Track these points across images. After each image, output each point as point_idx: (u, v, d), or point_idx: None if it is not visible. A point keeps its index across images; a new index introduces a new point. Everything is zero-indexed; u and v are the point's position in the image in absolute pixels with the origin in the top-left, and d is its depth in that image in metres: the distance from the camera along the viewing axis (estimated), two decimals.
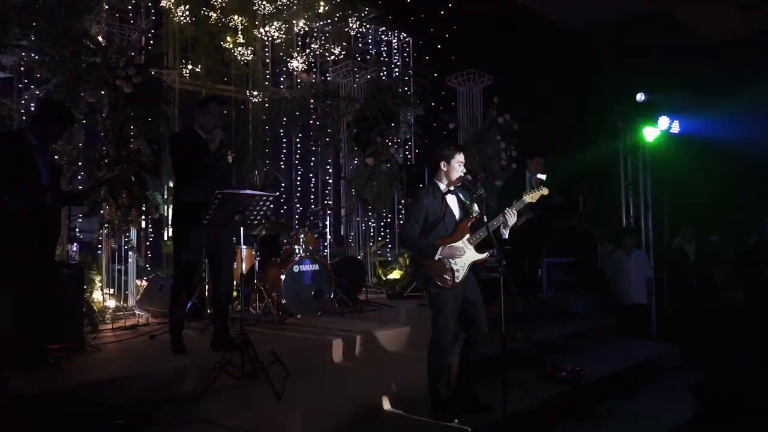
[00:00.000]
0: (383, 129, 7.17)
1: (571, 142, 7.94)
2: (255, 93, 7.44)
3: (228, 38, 7.00)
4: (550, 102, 8.37)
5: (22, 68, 5.56)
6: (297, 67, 7.47)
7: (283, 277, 5.54)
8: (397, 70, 8.49)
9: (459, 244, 3.67)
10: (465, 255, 3.66)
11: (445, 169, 3.72)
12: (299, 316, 5.61)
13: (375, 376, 4.19)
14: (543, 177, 6.31)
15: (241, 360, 3.69)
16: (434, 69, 8.25)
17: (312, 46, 7.64)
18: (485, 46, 8.28)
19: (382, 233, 8.53)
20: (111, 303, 5.89)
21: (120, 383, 3.47)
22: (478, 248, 3.73)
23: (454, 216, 3.75)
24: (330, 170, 8.32)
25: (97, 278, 5.98)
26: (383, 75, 8.04)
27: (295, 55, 7.54)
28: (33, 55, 5.33)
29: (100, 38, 5.49)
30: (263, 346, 4.00)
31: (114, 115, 4.99)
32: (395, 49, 8.82)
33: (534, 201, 3.83)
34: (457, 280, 3.65)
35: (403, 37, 8.82)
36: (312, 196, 8.43)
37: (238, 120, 7.57)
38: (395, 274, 8.32)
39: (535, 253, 6.72)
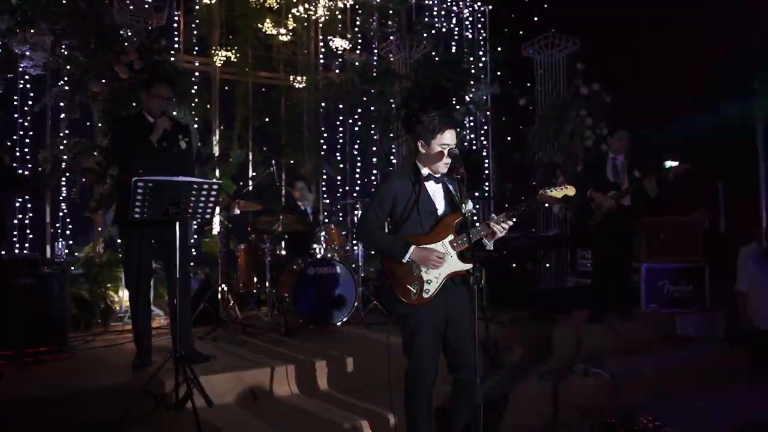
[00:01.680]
0: (435, 109, 6.12)
1: (679, 110, 6.13)
2: (299, 78, 6.84)
3: (267, 20, 6.48)
4: (651, 65, 6.61)
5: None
6: (342, 47, 6.73)
7: (293, 280, 4.84)
8: (466, 42, 7.34)
9: (437, 246, 2.64)
10: (444, 263, 2.62)
11: (424, 151, 2.72)
12: (312, 326, 4.87)
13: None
14: (673, 163, 4.75)
15: (175, 383, 3.04)
16: (510, 39, 7.02)
17: (359, 22, 6.85)
18: (571, 4, 6.78)
19: None
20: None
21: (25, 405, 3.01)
22: (462, 256, 2.68)
23: (436, 210, 2.73)
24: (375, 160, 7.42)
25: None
26: (446, 49, 6.97)
27: (342, 33, 6.82)
28: (63, 50, 5.25)
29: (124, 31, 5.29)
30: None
31: (111, 103, 4.69)
32: (468, 20, 7.69)
33: (551, 202, 2.76)
34: (425, 295, 2.64)
35: (478, 6, 7.65)
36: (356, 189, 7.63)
37: (284, 109, 7.06)
38: None
39: (620, 255, 5.22)
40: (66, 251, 5.07)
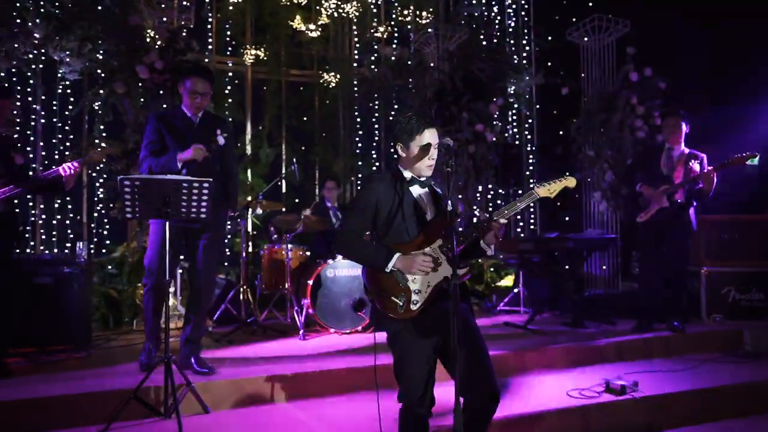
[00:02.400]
0: (469, 102, 5.79)
1: (743, 97, 5.42)
2: (330, 75, 6.69)
3: (298, 17, 6.37)
4: (711, 47, 5.90)
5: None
6: (374, 40, 6.51)
7: (311, 282, 4.67)
8: (508, 30, 6.92)
9: (427, 251, 2.35)
10: (432, 266, 2.34)
11: (404, 155, 2.45)
12: (332, 330, 4.68)
13: None
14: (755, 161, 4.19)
15: (164, 389, 2.93)
16: (555, 24, 6.54)
17: (394, 14, 6.60)
18: None
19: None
20: (170, 302, 5.74)
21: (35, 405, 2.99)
22: (454, 263, 2.38)
23: (423, 215, 2.44)
24: None
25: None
26: (487, 38, 6.57)
27: (375, 26, 6.60)
28: (100, 56, 5.36)
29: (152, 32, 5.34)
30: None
31: (135, 104, 4.72)
32: (511, 7, 7.26)
33: (553, 196, 2.43)
34: (413, 307, 2.35)
35: None
36: None
37: (318, 107, 6.93)
38: (508, 281, 6.80)
39: (674, 256, 4.65)
40: (86, 251, 5.15)
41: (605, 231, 5.63)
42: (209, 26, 6.41)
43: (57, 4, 5.22)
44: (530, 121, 7.10)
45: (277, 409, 3.33)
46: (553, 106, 6.59)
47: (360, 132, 7.35)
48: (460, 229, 2.40)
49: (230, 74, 6.62)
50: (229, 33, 6.48)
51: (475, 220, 2.36)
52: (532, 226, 7.36)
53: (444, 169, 2.33)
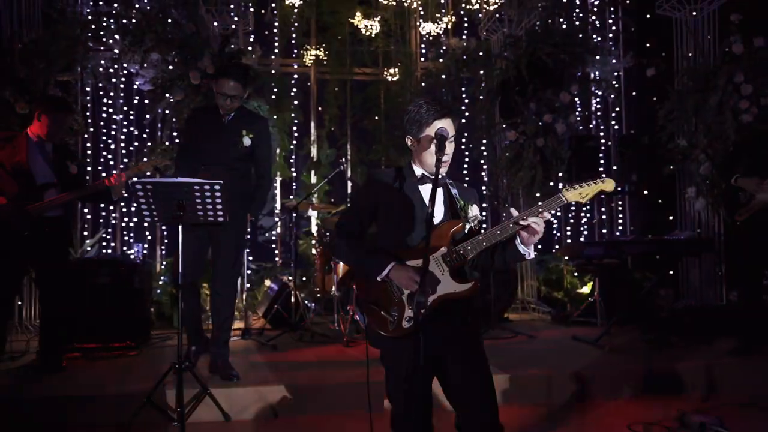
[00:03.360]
0: (536, 91, 5.27)
1: None
2: (392, 71, 6.46)
3: (358, 13, 6.22)
4: None
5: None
6: (434, 32, 6.17)
7: (355, 286, 4.46)
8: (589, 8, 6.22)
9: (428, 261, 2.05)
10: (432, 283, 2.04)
11: (414, 149, 2.16)
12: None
13: None
14: None
15: (177, 395, 2.88)
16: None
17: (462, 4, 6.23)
18: None
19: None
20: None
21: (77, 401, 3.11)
22: (459, 275, 2.08)
23: (431, 217, 2.11)
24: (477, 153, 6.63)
25: None
26: (561, 21, 5.96)
27: (438, 17, 6.26)
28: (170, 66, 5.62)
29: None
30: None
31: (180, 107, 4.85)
32: None
33: (584, 200, 2.05)
34: (405, 324, 2.05)
35: None
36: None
37: (383, 105, 6.73)
38: (589, 288, 6.13)
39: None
40: (144, 252, 5.38)
41: (699, 232, 4.82)
42: (274, 29, 6.48)
43: (133, 21, 5.52)
44: (617, 109, 6.33)
45: (297, 422, 3.17)
46: (637, 90, 5.81)
47: None
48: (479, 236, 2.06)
49: (296, 76, 6.65)
50: (292, 35, 6.49)
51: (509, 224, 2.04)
52: (620, 227, 6.57)
53: (437, 164, 2.03)
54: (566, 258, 5.67)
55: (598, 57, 5.87)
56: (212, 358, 3.50)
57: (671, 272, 5.15)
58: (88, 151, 5.78)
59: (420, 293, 1.72)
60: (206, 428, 3.05)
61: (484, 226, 2.28)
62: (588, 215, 6.45)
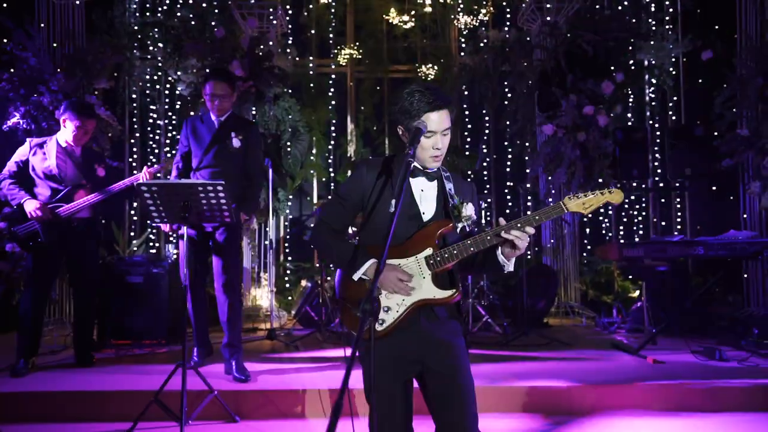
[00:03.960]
0: (576, 81, 4.94)
1: None
2: (428, 67, 6.29)
3: (393, 10, 6.12)
4: None
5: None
6: (471, 25, 5.95)
7: None
8: None
9: (408, 262, 1.92)
10: (411, 286, 1.90)
11: (405, 140, 1.99)
12: None
13: None
14: None
15: (181, 395, 2.89)
16: None
17: None
18: None
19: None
20: (265, 303, 5.93)
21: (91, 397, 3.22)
22: (440, 281, 1.94)
23: (420, 214, 1.98)
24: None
25: (264, 275, 6.14)
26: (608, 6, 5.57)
27: (476, 10, 6.04)
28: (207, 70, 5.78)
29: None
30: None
31: None
32: None
33: (587, 212, 1.92)
34: (378, 327, 1.93)
35: None
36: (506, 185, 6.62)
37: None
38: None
39: None
40: (175, 252, 5.51)
41: (755, 234, 4.30)
42: (311, 31, 6.51)
43: (172, 31, 5.71)
44: (675, 98, 5.84)
45: (309, 425, 3.11)
46: (692, 76, 5.31)
47: (469, 126, 6.84)
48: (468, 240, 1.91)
49: (333, 76, 6.65)
50: (327, 35, 6.49)
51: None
52: (679, 226, 6.05)
53: (406, 158, 1.88)
54: (613, 260, 5.28)
55: (653, 42, 5.45)
56: (226, 359, 3.51)
57: (734, 277, 4.64)
58: (135, 155, 6.07)
59: (366, 300, 1.57)
60: (213, 429, 3.05)
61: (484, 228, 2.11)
62: (643, 213, 5.99)
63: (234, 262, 3.58)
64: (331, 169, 6.71)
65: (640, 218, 6.45)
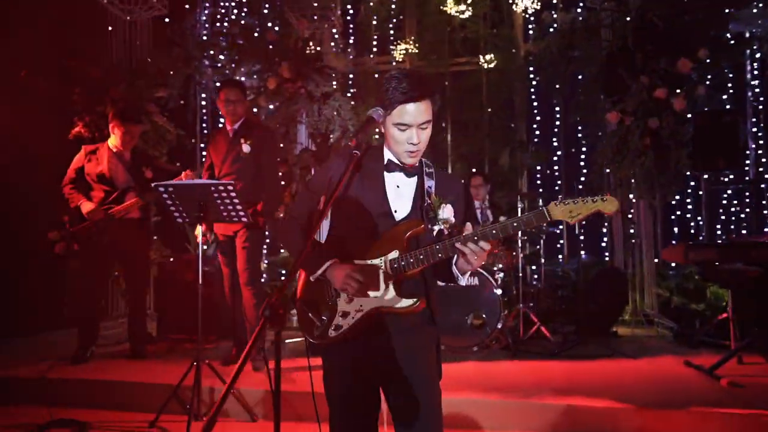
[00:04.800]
0: (647, 61, 4.38)
1: None
2: (489, 57, 5.94)
3: (449, 1, 5.87)
4: None
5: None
6: (530, 8, 5.52)
7: None
8: None
9: (371, 264, 1.76)
10: (369, 291, 1.75)
11: (383, 130, 1.83)
12: (442, 347, 4.07)
13: None
14: None
15: (193, 393, 2.94)
16: None
17: None
18: None
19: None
20: None
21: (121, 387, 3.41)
22: (404, 287, 1.76)
23: (391, 212, 1.81)
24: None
25: None
26: None
27: None
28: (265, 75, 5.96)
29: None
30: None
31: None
32: None
33: (572, 222, 1.68)
34: (332, 333, 1.79)
35: None
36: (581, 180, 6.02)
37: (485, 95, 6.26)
38: None
39: None
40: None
41: None
42: (372, 28, 6.45)
43: (239, 41, 5.92)
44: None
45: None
46: None
47: (538, 118, 6.38)
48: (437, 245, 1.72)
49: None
50: (379, 31, 6.40)
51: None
52: None
53: (350, 150, 1.72)
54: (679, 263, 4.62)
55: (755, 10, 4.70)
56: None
57: None
58: (202, 160, 6.39)
59: (266, 306, 1.41)
60: (233, 427, 3.07)
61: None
62: (737, 207, 5.19)
63: (253, 261, 3.68)
64: None
65: (743, 215, 5.61)
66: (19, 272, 4.58)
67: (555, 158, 6.25)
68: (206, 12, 6.34)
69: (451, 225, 1.80)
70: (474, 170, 5.42)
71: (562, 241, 6.03)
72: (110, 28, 5.04)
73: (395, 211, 1.83)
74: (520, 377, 3.46)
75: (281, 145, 5.16)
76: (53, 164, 4.13)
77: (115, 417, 3.18)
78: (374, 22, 6.38)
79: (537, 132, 6.41)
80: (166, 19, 5.63)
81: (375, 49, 6.49)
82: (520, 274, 4.28)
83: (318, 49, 5.25)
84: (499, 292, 4.07)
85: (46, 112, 4.47)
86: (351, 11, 6.48)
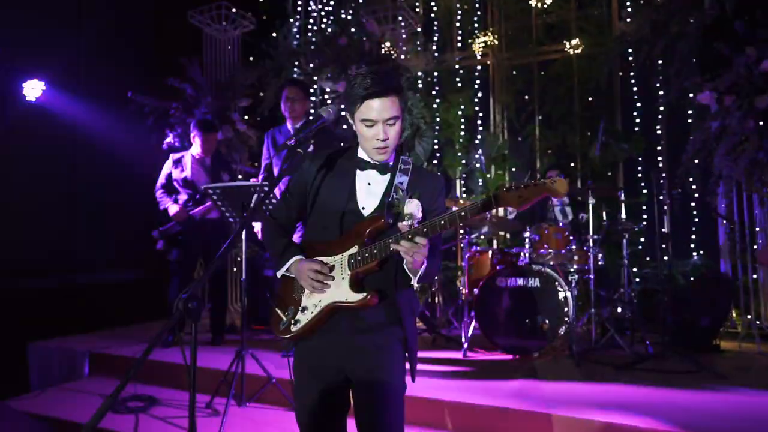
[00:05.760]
0: (752, 28, 3.76)
1: None
2: (573, 43, 5.50)
3: None
4: None
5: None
6: None
7: (476, 291, 4.02)
8: None
9: (333, 260, 1.82)
10: (328, 287, 1.79)
11: (354, 129, 1.86)
12: (500, 351, 3.89)
13: None
14: None
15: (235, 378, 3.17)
16: None
17: None
18: None
19: None
20: None
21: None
22: (360, 282, 1.77)
23: (358, 209, 1.84)
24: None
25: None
26: None
27: None
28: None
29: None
30: None
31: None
32: None
33: (520, 207, 1.63)
34: (293, 328, 1.84)
35: None
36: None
37: (577, 84, 5.82)
38: None
39: None
40: None
41: None
42: (454, 25, 6.35)
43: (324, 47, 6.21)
44: None
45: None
46: None
47: (638, 105, 5.77)
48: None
49: (479, 68, 6.35)
50: (458, 26, 6.26)
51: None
52: None
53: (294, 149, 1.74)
54: None
55: None
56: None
57: None
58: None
59: (179, 298, 1.47)
60: (273, 415, 3.23)
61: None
62: None
63: None
64: (477, 165, 6.41)
65: None
66: (131, 268, 5.29)
67: (659, 148, 5.60)
68: (297, 24, 6.72)
69: (417, 220, 1.75)
70: (551, 165, 5.07)
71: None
72: (203, 46, 5.59)
73: (363, 208, 1.83)
74: (572, 388, 3.18)
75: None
76: (154, 172, 4.70)
77: (180, 396, 3.54)
78: (459, 15, 6.27)
79: (637, 120, 5.79)
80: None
81: (459, 45, 6.36)
82: (592, 276, 3.90)
83: (391, 50, 5.29)
84: (566, 294, 3.78)
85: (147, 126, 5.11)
86: (434, 7, 6.44)
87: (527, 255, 4.03)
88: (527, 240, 4.06)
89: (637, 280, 5.39)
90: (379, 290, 1.75)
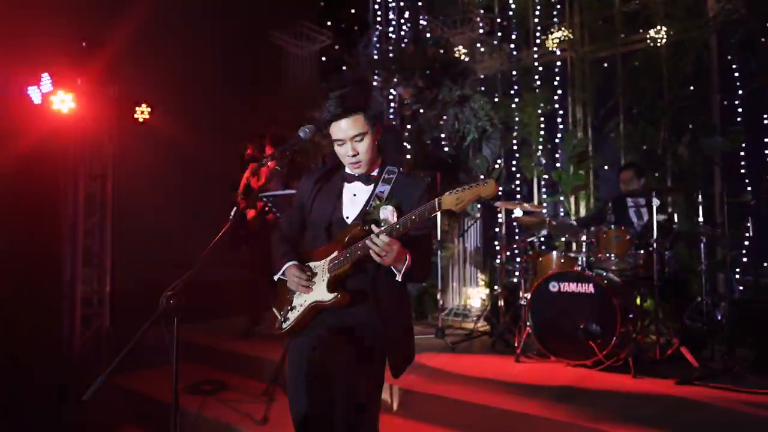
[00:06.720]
0: None
1: None
2: (652, 33, 5.08)
3: None
4: None
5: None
6: None
7: (528, 295, 3.94)
8: None
9: (317, 265, 2.04)
10: (312, 288, 2.01)
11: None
12: (552, 357, 3.79)
13: None
14: None
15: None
16: None
17: None
18: None
19: None
20: (476, 303, 5.98)
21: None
22: (337, 284, 1.96)
23: (343, 219, 2.04)
24: None
25: (481, 276, 6.21)
26: None
27: None
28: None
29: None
30: None
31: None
32: None
33: (457, 209, 1.72)
34: (283, 325, 2.07)
35: None
36: None
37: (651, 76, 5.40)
38: None
39: None
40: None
41: None
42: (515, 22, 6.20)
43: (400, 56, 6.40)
44: None
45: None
46: None
47: (739, 93, 5.19)
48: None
49: (558, 63, 6.13)
50: (533, 23, 6.08)
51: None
52: None
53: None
54: None
55: None
56: None
57: None
58: None
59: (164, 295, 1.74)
60: None
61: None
62: None
63: None
64: (558, 165, 6.18)
65: None
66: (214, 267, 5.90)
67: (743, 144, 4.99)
68: (377, 34, 6.98)
69: (392, 226, 1.87)
70: (624, 162, 4.76)
71: None
72: (284, 64, 6.07)
73: (347, 217, 2.01)
74: (624, 401, 3.03)
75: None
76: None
77: (245, 383, 3.94)
78: (537, 11, 6.10)
79: (740, 110, 5.20)
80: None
81: (537, 41, 6.19)
82: (656, 283, 3.64)
83: (460, 54, 5.33)
84: (621, 301, 3.58)
85: (237, 141, 5.67)
86: (513, 5, 6.31)
87: (583, 259, 3.87)
88: (584, 244, 3.90)
89: (741, 288, 4.88)
90: (359, 291, 1.91)
